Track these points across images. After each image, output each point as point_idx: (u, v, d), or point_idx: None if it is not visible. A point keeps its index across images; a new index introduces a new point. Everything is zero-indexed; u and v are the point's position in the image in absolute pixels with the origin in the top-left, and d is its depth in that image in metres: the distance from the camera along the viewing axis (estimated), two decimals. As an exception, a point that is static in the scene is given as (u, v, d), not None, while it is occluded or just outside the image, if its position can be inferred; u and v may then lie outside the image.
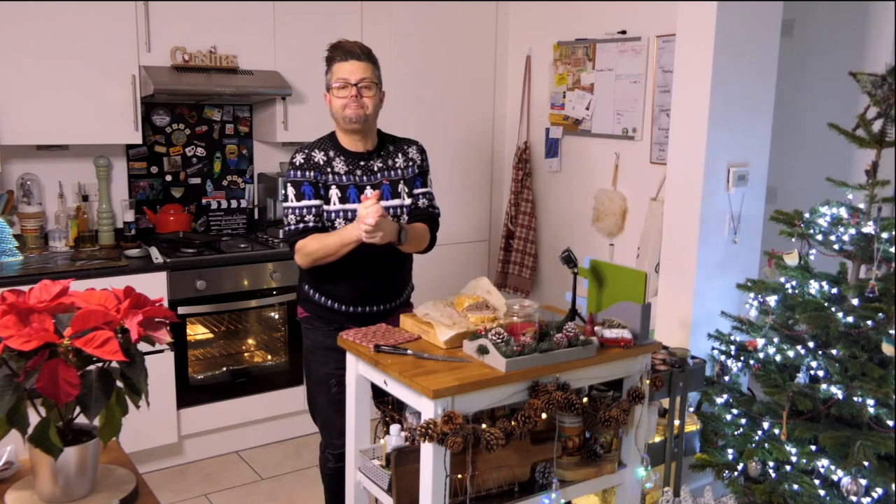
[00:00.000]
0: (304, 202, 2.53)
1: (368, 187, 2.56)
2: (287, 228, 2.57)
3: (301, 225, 2.52)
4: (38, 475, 1.43)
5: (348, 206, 2.54)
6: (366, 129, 2.56)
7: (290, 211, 2.55)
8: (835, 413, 2.54)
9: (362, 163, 2.58)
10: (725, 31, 2.94)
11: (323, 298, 2.63)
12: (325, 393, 2.63)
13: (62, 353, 1.34)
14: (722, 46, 2.95)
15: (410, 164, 2.66)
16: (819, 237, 2.62)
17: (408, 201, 2.62)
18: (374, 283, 2.61)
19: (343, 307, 2.62)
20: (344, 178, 2.55)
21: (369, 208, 2.30)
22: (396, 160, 2.63)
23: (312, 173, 2.54)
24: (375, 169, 2.59)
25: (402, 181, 2.62)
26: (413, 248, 2.61)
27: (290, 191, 2.55)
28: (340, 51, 2.53)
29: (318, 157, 2.56)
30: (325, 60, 2.57)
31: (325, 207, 2.54)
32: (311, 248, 2.49)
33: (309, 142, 2.63)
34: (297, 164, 2.56)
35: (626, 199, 3.93)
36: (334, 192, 2.54)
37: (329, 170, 2.55)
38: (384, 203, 2.54)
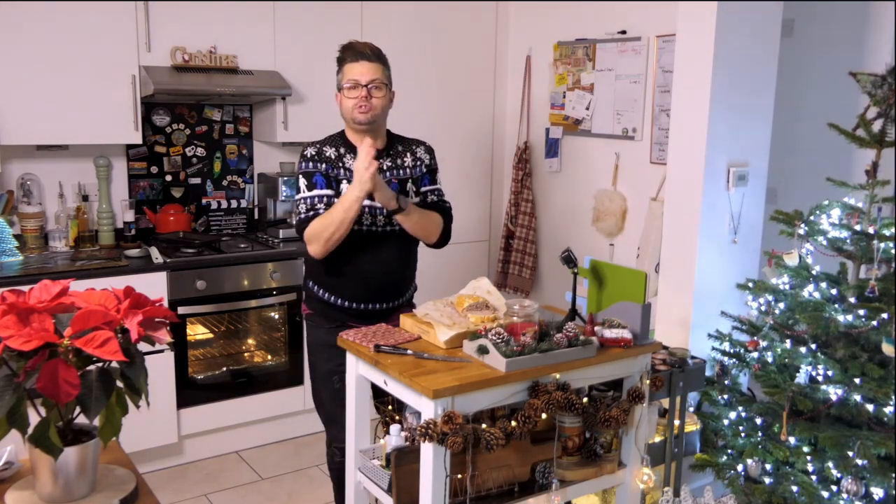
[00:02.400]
0: (316, 191, 2.53)
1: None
2: (298, 218, 2.55)
3: (311, 213, 2.51)
4: (38, 475, 1.43)
5: None
6: (375, 128, 2.57)
7: (302, 201, 2.54)
8: (835, 413, 2.54)
9: None
10: (725, 31, 2.94)
11: (327, 295, 2.64)
12: (328, 389, 2.64)
13: (62, 353, 1.34)
14: (722, 46, 2.95)
15: (418, 163, 2.67)
16: (819, 237, 2.62)
17: (415, 200, 2.63)
18: (379, 280, 2.61)
19: (346, 303, 2.62)
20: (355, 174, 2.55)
21: (365, 152, 2.38)
22: (405, 159, 2.65)
23: (324, 165, 2.55)
24: (384, 168, 2.59)
25: (410, 180, 2.64)
26: (421, 230, 2.59)
27: (302, 182, 2.56)
28: (351, 52, 2.54)
29: (330, 151, 2.57)
30: (337, 61, 2.58)
31: (336, 200, 2.51)
32: (317, 225, 2.46)
33: (318, 139, 2.63)
34: (309, 156, 2.56)
35: (626, 199, 3.93)
36: (345, 187, 2.53)
37: (340, 164, 2.56)
38: None
